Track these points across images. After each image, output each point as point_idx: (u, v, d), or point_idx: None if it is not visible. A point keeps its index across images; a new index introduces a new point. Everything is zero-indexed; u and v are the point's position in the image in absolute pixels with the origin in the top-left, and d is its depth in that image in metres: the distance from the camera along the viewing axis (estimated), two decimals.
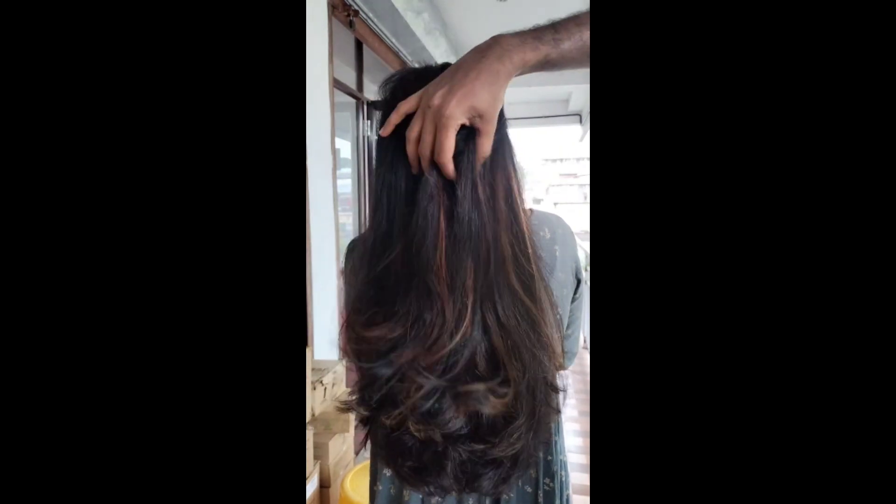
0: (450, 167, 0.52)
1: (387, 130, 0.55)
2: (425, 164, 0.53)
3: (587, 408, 3.10)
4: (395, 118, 0.55)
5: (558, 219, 0.69)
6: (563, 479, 0.72)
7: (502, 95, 0.52)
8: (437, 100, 0.50)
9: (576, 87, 5.02)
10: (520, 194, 0.58)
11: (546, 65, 0.53)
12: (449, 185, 0.53)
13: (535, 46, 0.51)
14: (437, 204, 0.53)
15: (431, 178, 0.53)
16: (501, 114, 0.59)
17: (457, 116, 0.50)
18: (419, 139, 0.52)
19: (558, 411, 0.61)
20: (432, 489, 0.60)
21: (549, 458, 0.70)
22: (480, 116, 0.51)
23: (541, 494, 0.69)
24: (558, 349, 0.59)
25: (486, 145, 0.53)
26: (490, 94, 0.50)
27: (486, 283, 0.53)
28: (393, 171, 0.56)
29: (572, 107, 6.11)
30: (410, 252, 0.53)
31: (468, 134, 0.53)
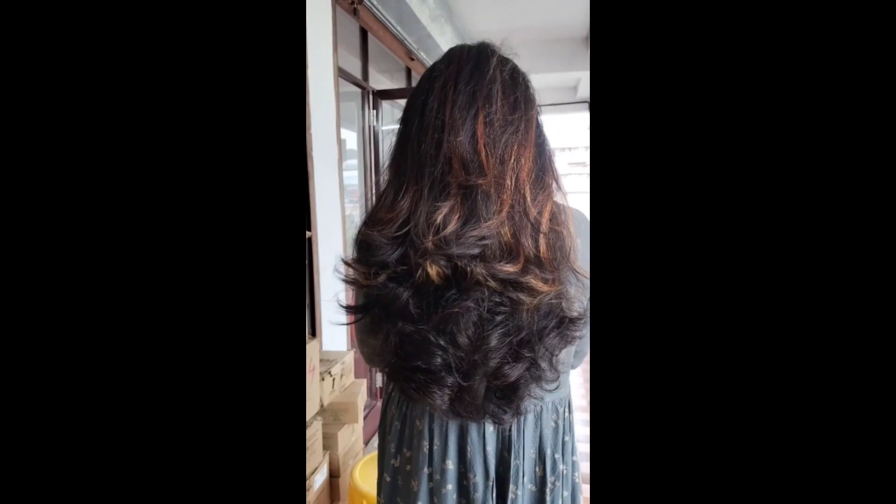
0: None
1: None
2: None
3: None
4: None
5: (578, 212, 0.68)
6: (575, 480, 0.71)
7: None
8: None
9: (584, 74, 4.96)
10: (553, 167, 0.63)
11: None
12: None
13: None
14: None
15: None
16: (532, 99, 0.63)
17: None
18: None
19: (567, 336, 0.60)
20: (436, 388, 0.59)
21: (557, 455, 0.68)
22: None
23: (547, 492, 0.68)
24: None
25: None
26: None
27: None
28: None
29: (581, 94, 6.05)
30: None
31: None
